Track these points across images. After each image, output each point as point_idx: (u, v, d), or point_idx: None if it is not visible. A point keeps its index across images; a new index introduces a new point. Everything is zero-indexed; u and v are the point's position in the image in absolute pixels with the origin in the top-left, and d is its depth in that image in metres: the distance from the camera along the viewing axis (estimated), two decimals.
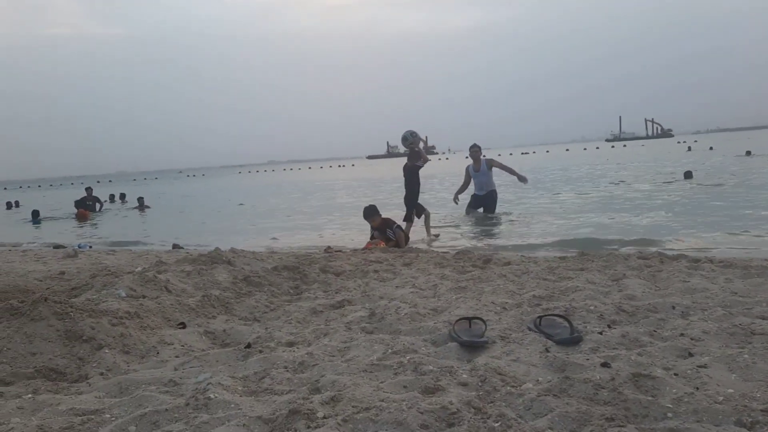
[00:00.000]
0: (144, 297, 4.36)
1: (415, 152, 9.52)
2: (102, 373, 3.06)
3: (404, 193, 9.70)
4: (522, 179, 12.01)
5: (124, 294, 4.37)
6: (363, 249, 8.34)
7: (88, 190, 22.99)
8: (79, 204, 20.87)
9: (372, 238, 8.77)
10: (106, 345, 3.34)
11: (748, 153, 31.22)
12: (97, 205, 22.35)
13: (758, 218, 9.52)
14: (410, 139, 9.50)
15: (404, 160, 9.99)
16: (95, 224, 18.37)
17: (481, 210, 12.00)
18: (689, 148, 46.56)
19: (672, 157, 35.45)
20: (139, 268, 5.65)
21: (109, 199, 29.35)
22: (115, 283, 4.64)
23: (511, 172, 12.11)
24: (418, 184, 9.70)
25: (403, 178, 9.70)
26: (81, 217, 19.38)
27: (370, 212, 8.73)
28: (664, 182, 17.88)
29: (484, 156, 12.13)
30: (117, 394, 2.75)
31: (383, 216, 8.77)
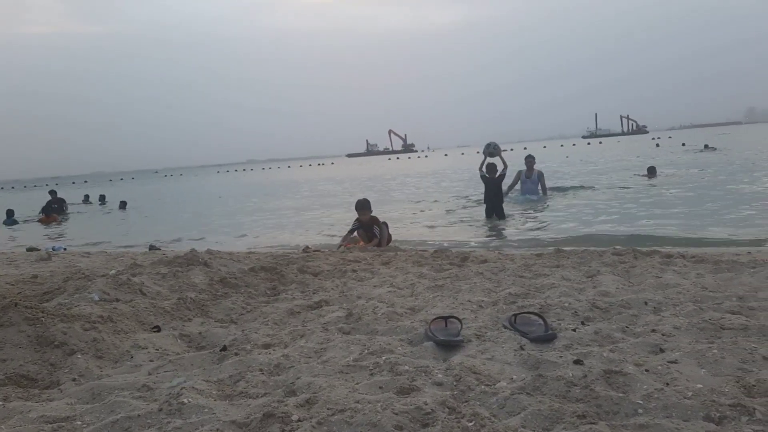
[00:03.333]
0: (118, 300, 4.31)
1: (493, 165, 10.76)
2: (74, 379, 3.02)
3: (488, 203, 11.11)
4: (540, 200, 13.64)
5: (97, 298, 4.31)
6: (339, 246, 8.31)
7: (52, 193, 22.18)
8: (44, 209, 20.21)
9: (351, 232, 8.72)
10: (79, 350, 3.30)
11: (706, 146, 33.41)
12: (64, 207, 21.74)
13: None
14: (493, 149, 11.03)
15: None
16: (65, 227, 18.11)
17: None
18: (657, 145, 48.26)
19: (641, 153, 36.13)
20: (113, 271, 5.58)
21: (84, 200, 28.91)
22: (89, 287, 4.58)
23: (543, 191, 13.98)
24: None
25: (487, 189, 11.03)
26: (45, 223, 18.93)
27: (364, 205, 8.62)
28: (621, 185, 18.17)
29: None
30: (89, 400, 2.71)
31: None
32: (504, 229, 10.30)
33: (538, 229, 9.99)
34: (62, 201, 21.90)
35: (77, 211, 23.62)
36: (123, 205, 23.59)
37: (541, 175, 14.08)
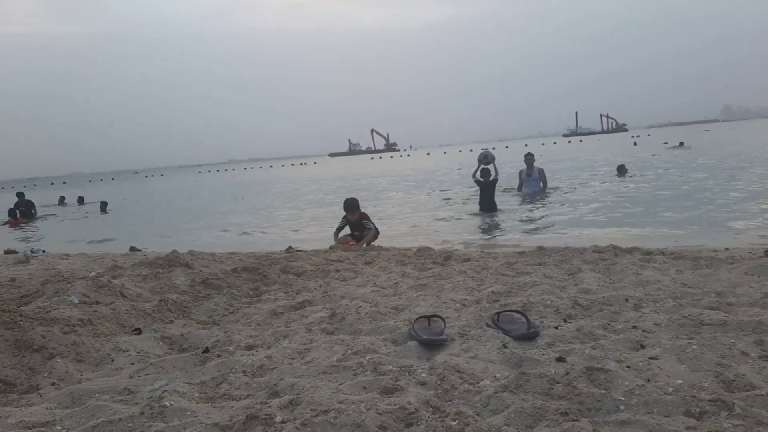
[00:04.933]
0: (98, 303, 4.26)
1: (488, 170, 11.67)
2: (53, 384, 2.98)
3: (482, 204, 11.78)
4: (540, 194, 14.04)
5: (77, 300, 4.26)
6: (333, 246, 8.23)
7: (20, 195, 20.65)
8: (10, 212, 19.25)
9: (339, 229, 8.68)
10: (58, 354, 3.26)
11: (681, 144, 34.42)
12: (33, 210, 20.40)
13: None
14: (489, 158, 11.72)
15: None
16: (45, 229, 17.82)
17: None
18: (635, 143, 49.09)
19: (618, 152, 36.63)
20: (93, 273, 5.52)
21: (59, 201, 28.47)
22: (68, 290, 4.52)
23: (544, 186, 14.30)
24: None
25: (482, 192, 11.80)
26: (13, 225, 18.35)
27: (353, 206, 8.58)
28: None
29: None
30: (69, 404, 2.68)
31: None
32: (494, 227, 10.44)
33: (529, 230, 10.05)
34: (31, 203, 20.46)
35: (53, 213, 23.23)
36: (104, 206, 23.24)
37: (541, 171, 14.46)
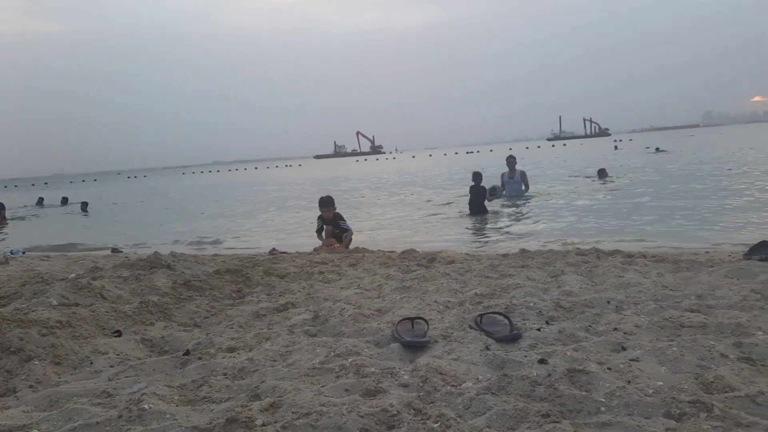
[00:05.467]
0: (77, 305, 4.21)
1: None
2: (31, 386, 2.93)
3: (472, 206, 12.13)
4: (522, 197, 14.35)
5: (55, 302, 4.20)
6: (318, 248, 8.24)
7: None
8: None
9: (319, 231, 8.75)
10: (36, 356, 3.20)
11: (657, 149, 35.53)
12: (2, 213, 19.39)
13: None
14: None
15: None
16: (12, 230, 17.57)
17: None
18: (616, 147, 49.85)
19: (596, 156, 37.05)
20: (73, 275, 5.45)
21: (38, 202, 28.16)
22: (47, 291, 4.46)
23: (526, 189, 14.55)
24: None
25: (472, 194, 12.12)
26: None
27: (328, 202, 8.71)
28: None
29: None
30: (47, 407, 2.64)
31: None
32: (481, 229, 10.50)
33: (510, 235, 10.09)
34: (1, 205, 19.55)
35: (32, 213, 22.94)
36: (84, 206, 22.97)
37: (523, 174, 14.68)
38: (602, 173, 18.74)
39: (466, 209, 12.47)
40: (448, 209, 13.84)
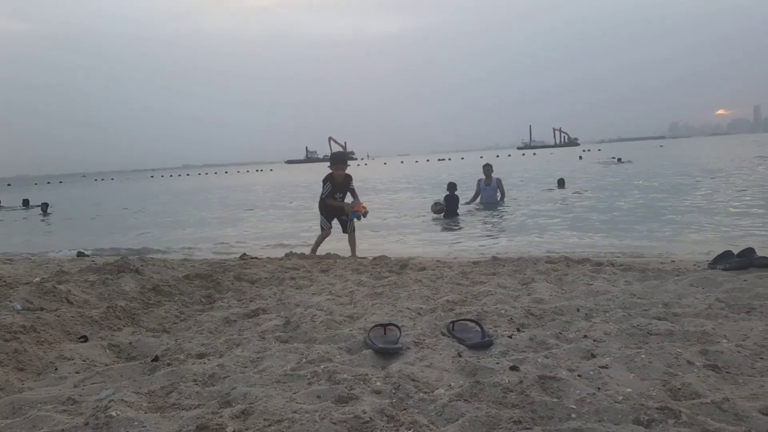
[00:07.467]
0: (42, 309, 4.11)
1: None
2: None
3: (448, 212, 12.55)
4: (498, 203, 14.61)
5: (19, 307, 4.10)
6: (309, 254, 7.90)
7: None
8: None
9: (333, 197, 8.01)
10: None
11: (619, 160, 36.84)
12: None
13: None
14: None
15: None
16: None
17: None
18: (580, 158, 51.16)
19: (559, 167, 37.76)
20: (38, 279, 5.32)
21: None
22: (10, 295, 4.35)
23: (502, 196, 14.80)
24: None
25: (447, 203, 12.64)
26: None
27: (342, 158, 8.17)
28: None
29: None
30: (9, 414, 2.56)
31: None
32: (452, 235, 10.60)
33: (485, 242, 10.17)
34: None
35: None
36: (45, 207, 22.39)
37: (499, 181, 14.85)
38: (561, 183, 19.23)
39: (439, 216, 12.83)
40: (420, 216, 13.88)
